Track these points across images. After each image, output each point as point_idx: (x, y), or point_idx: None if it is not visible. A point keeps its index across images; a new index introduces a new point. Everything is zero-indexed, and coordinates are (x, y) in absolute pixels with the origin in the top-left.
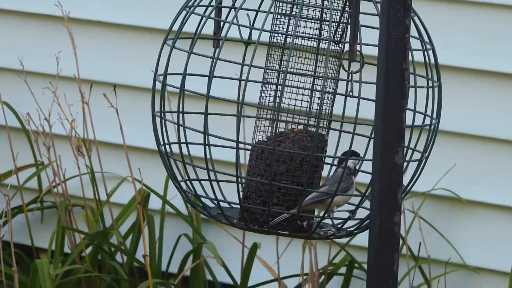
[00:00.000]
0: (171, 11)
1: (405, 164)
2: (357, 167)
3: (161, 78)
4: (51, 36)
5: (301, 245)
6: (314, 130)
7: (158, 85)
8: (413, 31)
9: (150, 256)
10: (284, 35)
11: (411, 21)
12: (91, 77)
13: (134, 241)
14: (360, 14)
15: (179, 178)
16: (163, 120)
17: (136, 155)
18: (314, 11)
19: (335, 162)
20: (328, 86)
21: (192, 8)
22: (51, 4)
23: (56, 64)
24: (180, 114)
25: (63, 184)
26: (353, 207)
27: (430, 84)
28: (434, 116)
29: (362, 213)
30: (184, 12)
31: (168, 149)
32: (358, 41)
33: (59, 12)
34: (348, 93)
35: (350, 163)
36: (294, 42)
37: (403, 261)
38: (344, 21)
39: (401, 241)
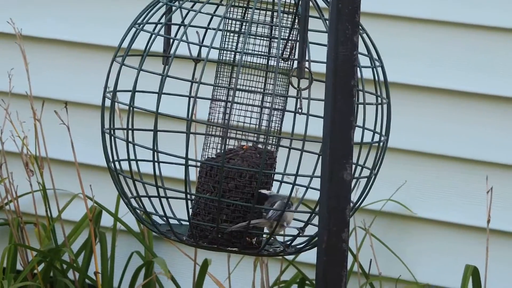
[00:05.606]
0: (121, 28)
1: (354, 181)
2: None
3: (111, 95)
4: (3, 53)
5: (252, 262)
6: (263, 147)
7: (108, 102)
8: (362, 48)
9: (102, 273)
10: (233, 52)
11: (360, 38)
12: (43, 94)
13: (86, 258)
14: (308, 31)
15: (129, 194)
16: (112, 137)
17: (88, 172)
18: (263, 29)
19: (284, 179)
20: (277, 103)
21: (141, 25)
22: (3, 21)
23: (8, 81)
24: (130, 131)
25: (15, 201)
26: (302, 224)
27: (379, 101)
28: (383, 133)
29: (311, 230)
30: (133, 29)
31: (118, 166)
32: (307, 58)
33: (11, 30)
34: (297, 110)
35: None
36: (243, 59)
37: (354, 278)
38: (293, 38)
39: (352, 258)
